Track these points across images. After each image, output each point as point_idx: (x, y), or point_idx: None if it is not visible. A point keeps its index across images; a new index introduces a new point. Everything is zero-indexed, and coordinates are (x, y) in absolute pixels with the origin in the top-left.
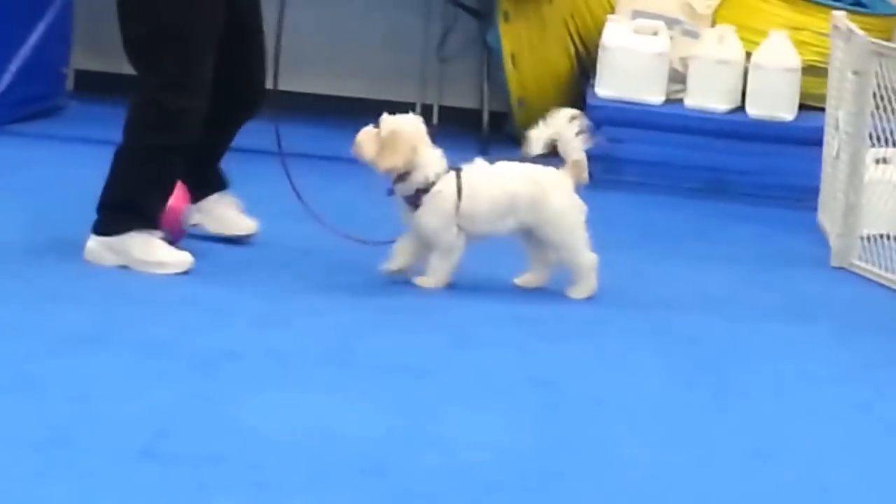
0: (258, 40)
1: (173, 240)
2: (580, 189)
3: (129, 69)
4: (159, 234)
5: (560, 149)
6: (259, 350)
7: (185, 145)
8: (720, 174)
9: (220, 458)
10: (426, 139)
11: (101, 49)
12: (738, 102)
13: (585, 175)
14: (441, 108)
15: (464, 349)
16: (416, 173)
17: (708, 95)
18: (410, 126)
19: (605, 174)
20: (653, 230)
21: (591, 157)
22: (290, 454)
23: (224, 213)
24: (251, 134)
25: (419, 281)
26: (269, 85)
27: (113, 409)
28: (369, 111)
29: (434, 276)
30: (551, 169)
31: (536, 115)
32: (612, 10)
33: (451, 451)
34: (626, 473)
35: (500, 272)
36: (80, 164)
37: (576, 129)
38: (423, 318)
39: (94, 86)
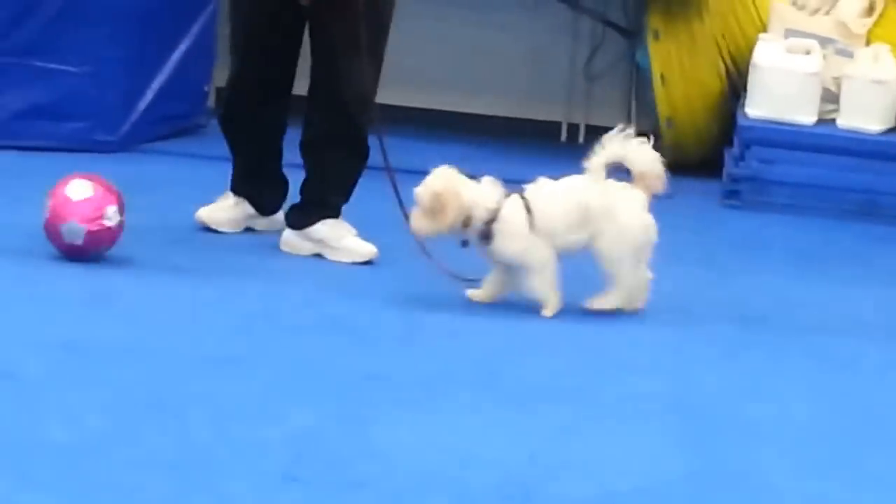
0: (332, 57)
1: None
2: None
3: None
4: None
5: (628, 165)
6: (402, 372)
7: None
8: (873, 196)
9: (362, 482)
10: (463, 178)
11: None
12: (892, 123)
13: (659, 185)
14: (588, 126)
15: (608, 373)
16: (475, 213)
17: (861, 116)
18: (443, 179)
19: (755, 195)
20: (804, 253)
21: (741, 178)
22: (432, 479)
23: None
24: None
25: (544, 313)
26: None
27: (254, 432)
28: (516, 130)
29: (545, 301)
30: (622, 183)
31: (685, 134)
32: (764, 29)
33: (596, 477)
34: (776, 503)
35: (655, 292)
36: (221, 182)
37: (637, 142)
38: (566, 341)
39: None
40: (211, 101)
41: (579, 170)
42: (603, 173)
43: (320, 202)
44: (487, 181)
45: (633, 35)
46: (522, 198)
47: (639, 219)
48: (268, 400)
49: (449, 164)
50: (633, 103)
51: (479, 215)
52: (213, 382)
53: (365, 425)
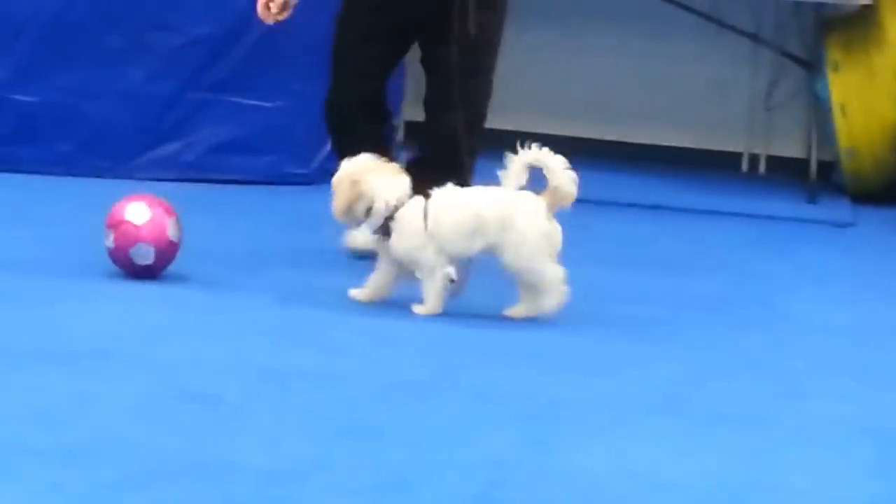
0: (441, 74)
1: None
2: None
3: None
4: None
5: (546, 174)
6: (589, 398)
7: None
8: None
9: None
10: (375, 170)
11: None
12: None
13: (565, 201)
14: (768, 157)
15: (794, 398)
16: (376, 206)
17: None
18: (349, 166)
19: None
20: None
21: None
22: (623, 502)
23: None
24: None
25: (416, 309)
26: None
27: (448, 455)
28: (697, 160)
29: (428, 303)
30: (525, 193)
31: (865, 164)
32: None
33: (787, 502)
34: None
35: (838, 319)
36: None
37: (558, 158)
38: (750, 366)
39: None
40: (401, 136)
41: (761, 199)
42: (516, 181)
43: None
44: (400, 178)
45: (813, 66)
46: (425, 201)
47: (537, 227)
48: (460, 424)
49: (626, 194)
50: (814, 134)
51: (379, 209)
52: (406, 407)
53: (555, 449)
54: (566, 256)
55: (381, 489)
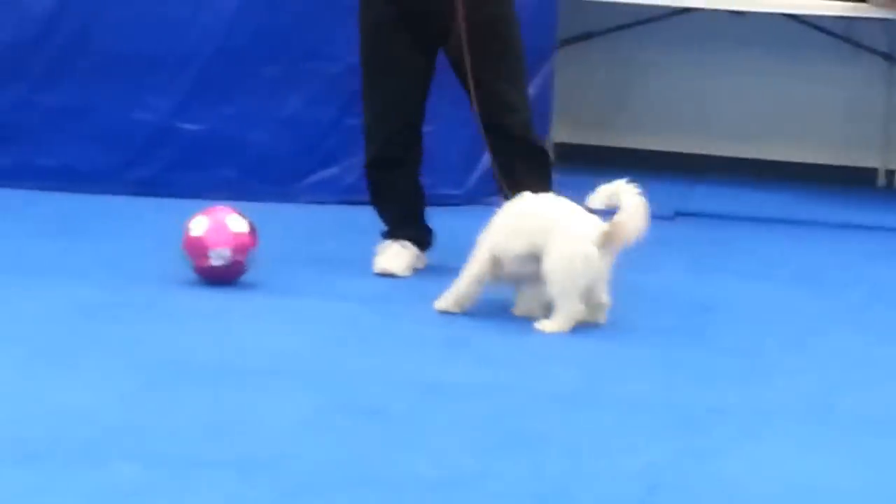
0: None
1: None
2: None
3: (609, 142)
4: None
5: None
6: (743, 406)
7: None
8: None
9: None
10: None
11: (581, 122)
12: None
13: (621, 241)
14: None
15: None
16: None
17: None
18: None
19: None
20: None
21: None
22: None
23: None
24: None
25: (543, 326)
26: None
27: (607, 464)
28: (831, 177)
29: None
30: (587, 214)
31: None
32: None
33: None
34: None
35: None
36: None
37: (634, 194)
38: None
39: (574, 158)
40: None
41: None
42: (601, 202)
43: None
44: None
45: None
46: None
47: (576, 246)
48: (619, 434)
49: (769, 210)
50: None
51: None
52: (566, 417)
53: (712, 457)
54: (708, 271)
55: (542, 498)
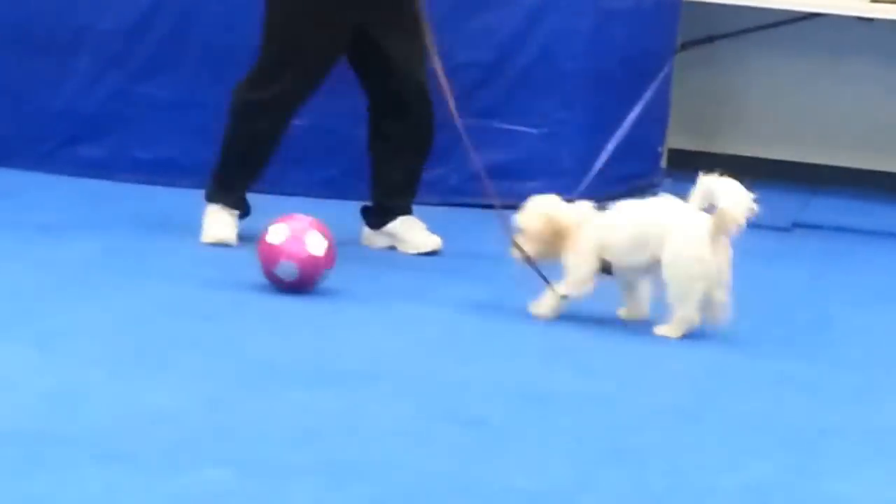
0: (406, 74)
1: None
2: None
3: (726, 149)
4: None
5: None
6: (857, 426)
7: None
8: None
9: None
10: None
11: (695, 128)
12: None
13: (732, 226)
14: None
15: None
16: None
17: None
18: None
19: None
20: None
21: None
22: None
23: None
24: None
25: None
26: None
27: (711, 482)
28: None
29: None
30: (696, 212)
31: None
32: None
33: None
34: None
35: None
36: None
37: (728, 183)
38: None
39: (688, 164)
40: (664, 162)
41: None
42: (700, 201)
43: (395, 205)
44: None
45: None
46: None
47: (692, 246)
48: (723, 451)
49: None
50: None
51: None
52: (669, 432)
53: (819, 477)
54: (825, 285)
55: None
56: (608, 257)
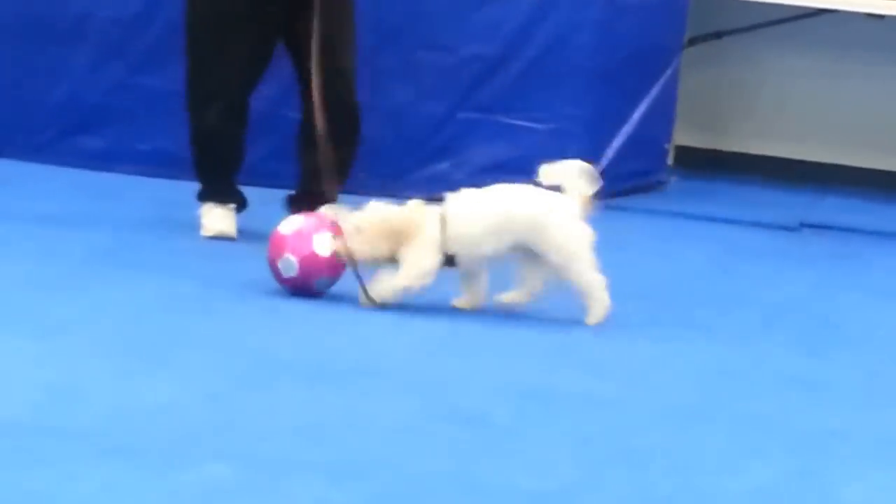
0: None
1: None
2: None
3: (733, 147)
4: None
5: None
6: (864, 429)
7: None
8: None
9: None
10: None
11: (702, 126)
12: None
13: (590, 211)
14: None
15: None
16: None
17: None
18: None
19: None
20: None
21: None
22: None
23: None
24: None
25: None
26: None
27: (715, 484)
28: None
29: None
30: (561, 196)
31: None
32: None
33: None
34: None
35: None
36: (679, 239)
37: (583, 173)
38: None
39: (695, 162)
40: (670, 160)
41: None
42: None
43: (322, 193)
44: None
45: None
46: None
47: (574, 223)
48: (728, 453)
49: None
50: None
51: None
52: (674, 434)
53: (823, 480)
54: (833, 286)
55: None
56: (456, 249)
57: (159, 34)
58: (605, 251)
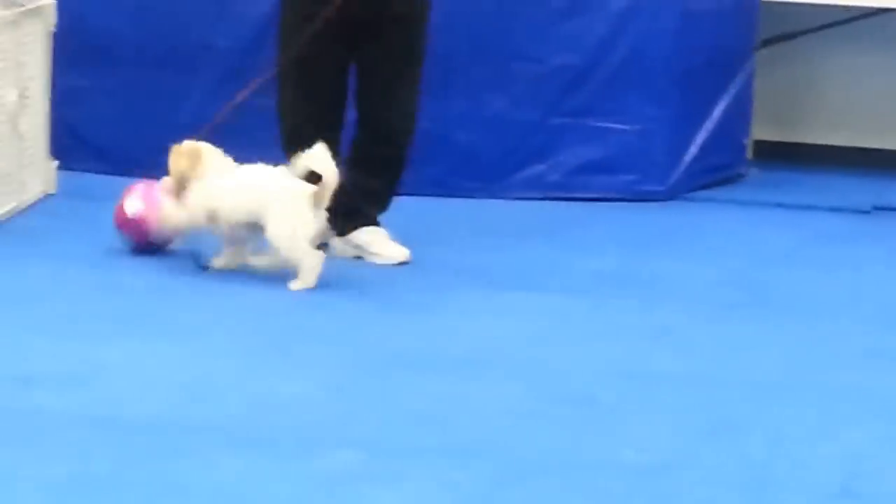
0: (383, 84)
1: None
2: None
3: (808, 138)
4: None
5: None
6: None
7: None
8: None
9: None
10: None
11: (780, 120)
12: None
13: (328, 196)
14: None
15: None
16: None
17: None
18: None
19: None
20: None
21: None
22: None
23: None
24: None
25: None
26: None
27: (808, 451)
28: None
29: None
30: (297, 180)
31: None
32: None
33: None
34: None
35: None
36: (760, 226)
37: (330, 162)
38: None
39: (773, 155)
40: (749, 153)
41: None
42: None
43: (361, 213)
44: None
45: None
46: None
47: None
48: (820, 421)
49: None
50: None
51: None
52: (767, 406)
53: None
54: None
55: (745, 484)
56: (217, 214)
57: (269, 57)
58: (693, 239)
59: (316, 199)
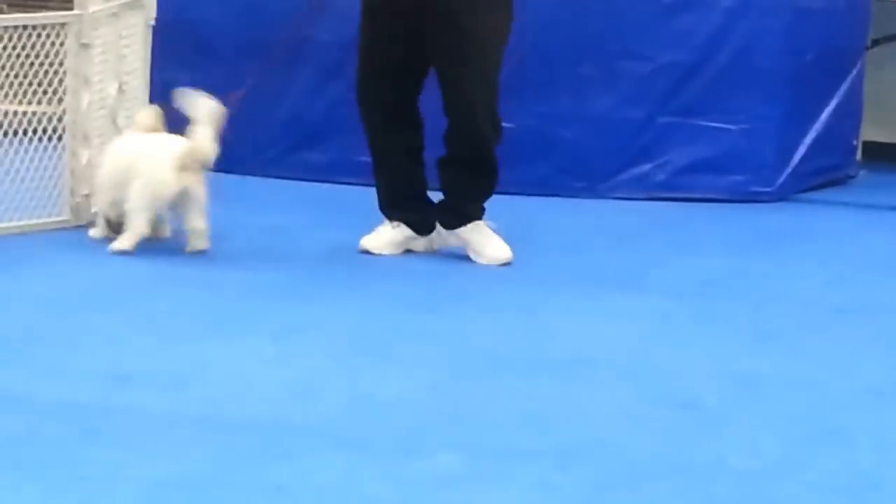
0: (452, 84)
1: None
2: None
3: None
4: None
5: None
6: None
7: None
8: None
9: None
10: None
11: (890, 121)
12: None
13: (201, 158)
14: None
15: None
16: None
17: None
18: None
19: None
20: None
21: None
22: None
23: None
24: None
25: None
26: None
27: None
28: None
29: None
30: (168, 142)
31: None
32: None
33: None
34: None
35: None
36: (870, 229)
37: (209, 115)
38: None
39: (883, 156)
40: (859, 154)
41: None
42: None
43: (461, 211)
44: None
45: None
46: None
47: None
48: None
49: None
50: None
51: None
52: (876, 412)
53: None
54: None
55: (852, 490)
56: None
57: None
58: (801, 242)
59: (181, 160)
